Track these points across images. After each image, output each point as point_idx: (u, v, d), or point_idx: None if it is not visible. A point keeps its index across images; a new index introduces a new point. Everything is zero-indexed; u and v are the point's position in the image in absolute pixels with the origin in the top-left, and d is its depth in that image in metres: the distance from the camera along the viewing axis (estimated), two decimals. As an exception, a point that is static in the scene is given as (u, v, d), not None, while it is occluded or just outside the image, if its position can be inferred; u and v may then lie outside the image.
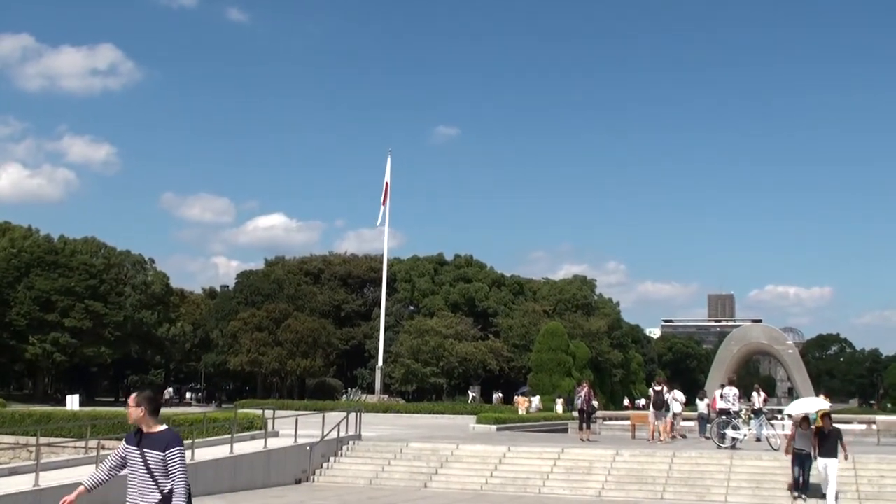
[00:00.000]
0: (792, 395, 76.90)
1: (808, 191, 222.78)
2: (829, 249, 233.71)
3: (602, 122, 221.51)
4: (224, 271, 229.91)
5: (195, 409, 46.21)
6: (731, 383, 22.85)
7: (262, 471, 17.04)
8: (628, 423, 26.21)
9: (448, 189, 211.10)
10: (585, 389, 22.78)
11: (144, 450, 5.06)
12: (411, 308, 77.92)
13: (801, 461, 14.87)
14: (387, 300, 54.27)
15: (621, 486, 16.83)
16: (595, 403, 23.36)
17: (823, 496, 14.60)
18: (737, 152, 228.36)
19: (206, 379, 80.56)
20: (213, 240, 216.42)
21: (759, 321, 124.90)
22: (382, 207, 47.23)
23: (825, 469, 14.44)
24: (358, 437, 20.22)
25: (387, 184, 47.15)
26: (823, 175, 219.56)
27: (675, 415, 23.52)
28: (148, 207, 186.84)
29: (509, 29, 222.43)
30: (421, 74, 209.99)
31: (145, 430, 5.12)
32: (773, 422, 21.60)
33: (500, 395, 59.59)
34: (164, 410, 27.95)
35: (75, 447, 17.99)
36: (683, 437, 24.46)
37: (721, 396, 21.46)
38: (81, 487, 5.33)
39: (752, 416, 21.33)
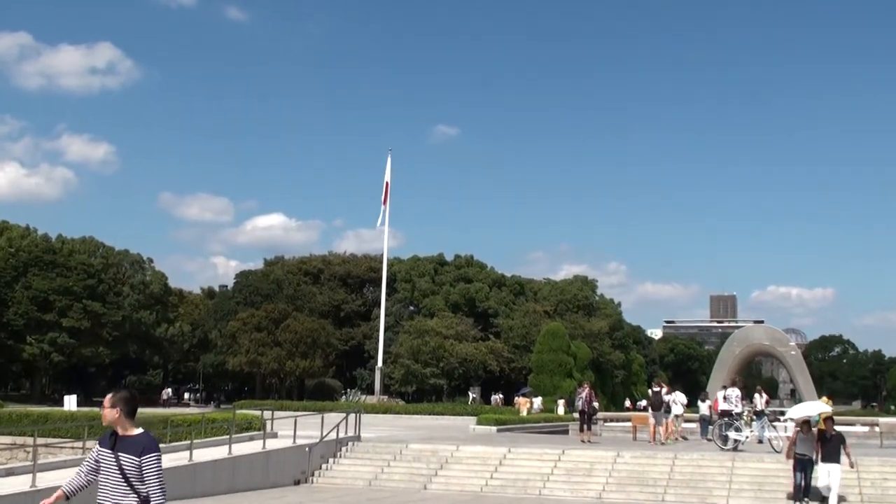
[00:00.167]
0: (794, 396, 76.84)
1: (811, 191, 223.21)
2: (831, 250, 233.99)
3: (602, 122, 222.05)
4: (223, 271, 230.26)
5: (193, 410, 46.11)
6: (733, 384, 22.71)
7: (260, 472, 16.95)
8: (629, 424, 26.06)
9: (448, 189, 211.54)
10: (586, 390, 22.68)
11: (119, 453, 4.85)
12: (411, 308, 77.82)
13: (803, 466, 14.64)
14: (386, 300, 54.15)
15: (622, 488, 16.74)
16: (596, 405, 23.24)
17: (824, 499, 14.44)
18: (738, 152, 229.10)
19: (204, 379, 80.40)
20: (211, 239, 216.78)
21: (762, 322, 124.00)
22: (383, 207, 47.13)
23: (828, 475, 14.25)
24: (357, 438, 20.13)
25: (387, 183, 47.03)
26: (826, 175, 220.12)
27: (676, 416, 23.41)
28: (146, 207, 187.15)
29: (509, 29, 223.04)
30: (421, 74, 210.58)
31: (121, 432, 4.92)
32: (775, 424, 21.48)
33: (501, 396, 59.35)
34: (162, 411, 27.90)
35: (73, 448, 17.88)
36: (685, 438, 24.35)
37: (724, 398, 21.35)
38: (59, 491, 5.12)
39: (755, 417, 21.21)
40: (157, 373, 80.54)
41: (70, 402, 30.61)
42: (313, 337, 64.11)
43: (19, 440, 19.51)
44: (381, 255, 55.41)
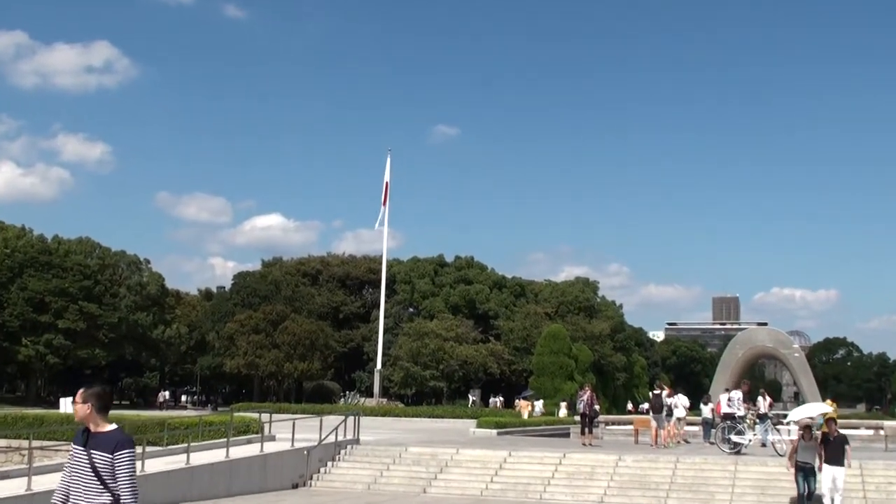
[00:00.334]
0: (798, 399, 76.52)
1: (814, 191, 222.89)
2: (835, 251, 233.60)
3: (602, 122, 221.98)
4: (220, 272, 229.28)
5: (190, 413, 45.86)
6: (740, 387, 22.49)
7: (258, 475, 16.80)
8: (631, 427, 25.90)
9: (448, 189, 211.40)
10: (588, 393, 22.53)
11: (91, 450, 4.67)
12: (411, 310, 77.63)
13: (805, 474, 14.38)
14: (386, 302, 53.95)
15: (624, 492, 16.62)
16: (597, 408, 23.06)
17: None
18: (739, 152, 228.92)
19: (201, 382, 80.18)
20: (209, 240, 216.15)
21: (765, 324, 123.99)
22: (382, 208, 46.91)
23: (832, 478, 14.01)
24: (356, 441, 20.00)
25: (386, 184, 46.83)
26: (829, 175, 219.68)
27: (678, 419, 23.25)
28: (143, 207, 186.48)
29: (509, 29, 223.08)
30: (421, 74, 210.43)
31: (93, 429, 4.75)
32: (778, 427, 21.32)
33: (501, 398, 59.12)
34: (159, 413, 27.51)
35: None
36: (687, 442, 24.19)
37: (728, 401, 21.19)
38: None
39: (758, 420, 21.06)
40: (153, 375, 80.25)
41: (66, 405, 30.44)
42: (312, 339, 63.92)
43: (14, 443, 19.30)
44: (381, 256, 55.21)
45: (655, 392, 22.69)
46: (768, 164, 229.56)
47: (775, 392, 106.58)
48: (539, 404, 44.61)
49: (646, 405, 33.23)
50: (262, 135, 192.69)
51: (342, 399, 61.71)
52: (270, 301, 68.01)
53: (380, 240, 55.10)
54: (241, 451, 17.04)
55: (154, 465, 14.85)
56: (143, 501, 5.05)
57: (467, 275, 78.62)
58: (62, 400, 31.39)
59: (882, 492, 15.94)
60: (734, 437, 19.74)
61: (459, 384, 67.51)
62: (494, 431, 26.88)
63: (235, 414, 21.12)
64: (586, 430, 22.09)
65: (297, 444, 18.07)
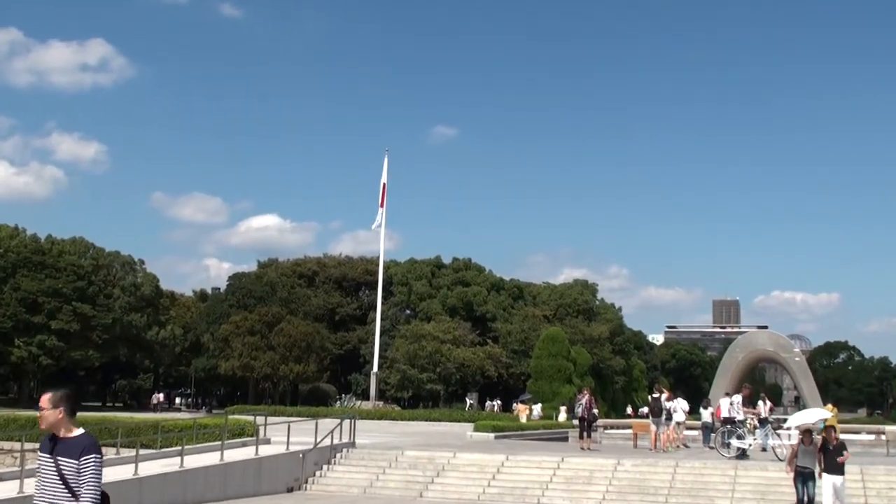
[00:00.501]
0: (798, 403, 76.41)
1: (816, 194, 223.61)
2: (836, 254, 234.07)
3: (602, 123, 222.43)
4: (216, 273, 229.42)
5: (185, 415, 45.51)
6: (742, 391, 22.34)
7: (253, 479, 16.65)
8: (630, 431, 25.76)
9: (446, 190, 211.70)
10: (586, 397, 22.38)
11: (58, 457, 4.48)
12: (408, 312, 77.43)
13: (804, 480, 14.15)
14: (383, 304, 53.71)
15: (623, 497, 16.51)
16: (596, 411, 22.90)
17: None
18: (739, 152, 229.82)
19: (196, 384, 79.85)
20: (204, 241, 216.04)
21: (765, 328, 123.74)
22: (380, 210, 46.66)
23: (832, 487, 13.80)
24: (352, 444, 19.85)
25: (384, 185, 46.61)
26: (830, 177, 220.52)
27: (677, 423, 23.12)
28: (138, 207, 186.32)
29: (509, 29, 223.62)
30: (419, 74, 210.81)
31: (61, 434, 4.55)
32: (778, 431, 21.19)
33: (499, 402, 58.84)
34: (153, 416, 27.19)
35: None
36: (686, 446, 24.06)
37: (731, 404, 21.06)
38: None
39: (758, 425, 20.93)
40: (147, 377, 79.97)
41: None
42: (307, 341, 63.70)
43: (6, 445, 19.11)
44: (378, 257, 54.97)
45: (655, 396, 22.60)
46: (769, 165, 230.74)
47: (776, 396, 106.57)
48: (537, 408, 44.46)
49: (645, 409, 33.06)
50: (258, 135, 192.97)
51: (338, 402, 61.46)
52: (266, 302, 67.79)
53: (377, 241, 54.95)
54: (235, 455, 16.91)
55: (148, 468, 14.68)
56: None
57: (465, 277, 78.47)
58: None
59: (883, 497, 15.82)
60: (734, 442, 19.62)
61: (456, 387, 67.30)
62: (492, 435, 26.73)
63: (230, 416, 20.97)
64: (585, 434, 21.93)
65: (293, 448, 17.94)
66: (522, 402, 48.21)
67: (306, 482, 17.94)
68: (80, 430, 4.60)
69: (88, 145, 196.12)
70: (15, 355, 56.85)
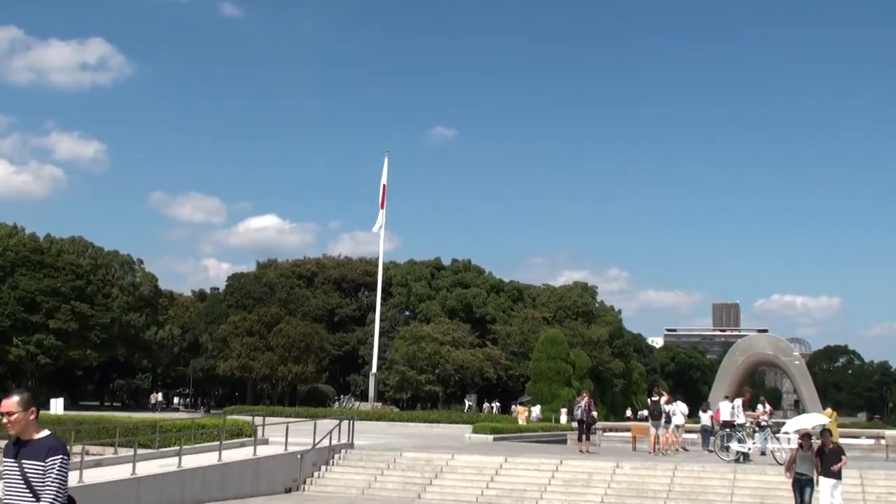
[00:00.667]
0: (798, 407, 76.26)
1: (816, 197, 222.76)
2: (837, 258, 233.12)
3: (602, 123, 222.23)
4: (214, 273, 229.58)
5: (183, 415, 45.44)
6: (737, 395, 22.34)
7: (251, 479, 16.60)
8: (629, 434, 25.68)
9: (446, 191, 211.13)
10: (585, 399, 22.35)
11: (23, 461, 4.37)
12: (407, 313, 77.36)
13: (801, 486, 14.09)
14: (382, 305, 53.65)
15: (621, 500, 16.49)
16: (595, 414, 22.88)
17: None
18: (739, 153, 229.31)
19: (194, 384, 79.77)
20: (203, 241, 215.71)
21: (765, 331, 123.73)
22: (381, 211, 46.58)
23: (830, 492, 13.74)
24: (350, 445, 19.80)
25: (384, 186, 46.55)
26: (832, 180, 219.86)
27: (677, 427, 23.07)
28: (137, 207, 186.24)
29: (509, 29, 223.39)
30: (419, 74, 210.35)
31: (24, 437, 4.43)
32: (778, 435, 21.13)
33: (497, 404, 58.77)
34: (151, 415, 27.13)
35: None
36: (685, 449, 24.00)
37: (733, 408, 21.03)
38: None
39: (757, 429, 20.89)
40: (145, 377, 79.87)
41: (57, 406, 30.12)
42: (306, 342, 63.61)
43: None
44: (377, 258, 54.83)
45: (654, 399, 22.55)
46: (769, 167, 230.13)
47: (775, 400, 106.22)
48: (536, 410, 44.40)
49: (644, 412, 33.04)
50: (258, 135, 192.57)
51: (337, 403, 61.34)
52: (265, 303, 67.70)
53: (376, 242, 54.83)
54: (233, 455, 16.86)
55: (146, 468, 14.63)
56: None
57: (464, 278, 78.42)
58: (53, 401, 31.02)
59: (883, 502, 15.83)
60: (733, 446, 19.57)
61: (455, 389, 67.22)
62: (490, 437, 26.69)
63: (228, 417, 20.93)
64: (583, 436, 21.89)
65: (291, 448, 17.90)
66: (521, 403, 48.15)
67: (304, 483, 17.90)
68: (46, 432, 4.50)
69: (87, 144, 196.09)
70: (13, 354, 56.73)
